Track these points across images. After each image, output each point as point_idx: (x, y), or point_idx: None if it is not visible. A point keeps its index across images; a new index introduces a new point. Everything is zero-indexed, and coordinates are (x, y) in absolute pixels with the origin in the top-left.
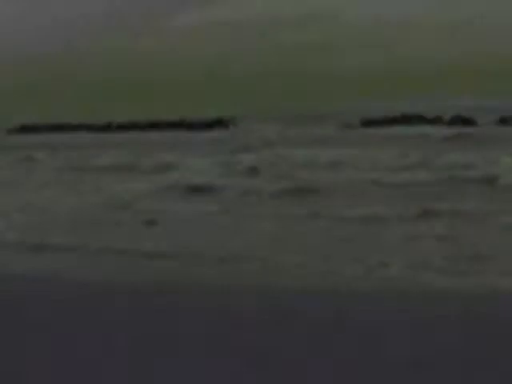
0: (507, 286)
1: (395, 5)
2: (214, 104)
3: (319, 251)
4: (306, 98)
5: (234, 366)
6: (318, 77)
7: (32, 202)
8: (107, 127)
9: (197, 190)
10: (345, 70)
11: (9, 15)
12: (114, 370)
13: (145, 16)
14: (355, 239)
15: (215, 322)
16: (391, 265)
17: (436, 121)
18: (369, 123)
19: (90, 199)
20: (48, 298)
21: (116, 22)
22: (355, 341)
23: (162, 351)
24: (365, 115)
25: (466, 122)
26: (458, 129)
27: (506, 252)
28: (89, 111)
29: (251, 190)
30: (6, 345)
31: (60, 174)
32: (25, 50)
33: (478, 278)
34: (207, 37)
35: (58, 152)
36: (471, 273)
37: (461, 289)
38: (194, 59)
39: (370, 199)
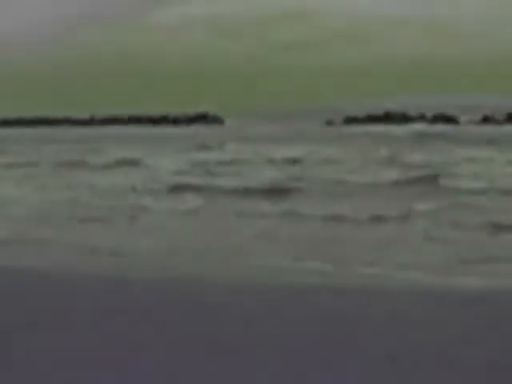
0: (492, 287)
1: (382, 3)
2: (200, 101)
3: (300, 250)
4: (294, 95)
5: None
6: (306, 74)
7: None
8: (90, 121)
9: (173, 187)
10: (331, 68)
11: None
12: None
13: (129, 13)
14: (337, 238)
15: (192, 317)
16: (377, 264)
17: (419, 119)
18: (351, 121)
19: (60, 195)
20: (24, 290)
21: (102, 18)
22: (344, 338)
23: (140, 346)
24: (349, 113)
25: (448, 120)
26: (439, 127)
27: (489, 253)
28: (72, 106)
29: (224, 187)
30: None
31: (32, 168)
32: (7, 44)
33: (464, 279)
34: (191, 34)
35: (33, 146)
36: (459, 273)
37: (448, 288)
38: (178, 56)
39: (346, 198)
